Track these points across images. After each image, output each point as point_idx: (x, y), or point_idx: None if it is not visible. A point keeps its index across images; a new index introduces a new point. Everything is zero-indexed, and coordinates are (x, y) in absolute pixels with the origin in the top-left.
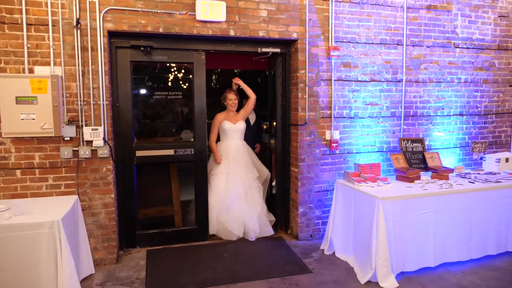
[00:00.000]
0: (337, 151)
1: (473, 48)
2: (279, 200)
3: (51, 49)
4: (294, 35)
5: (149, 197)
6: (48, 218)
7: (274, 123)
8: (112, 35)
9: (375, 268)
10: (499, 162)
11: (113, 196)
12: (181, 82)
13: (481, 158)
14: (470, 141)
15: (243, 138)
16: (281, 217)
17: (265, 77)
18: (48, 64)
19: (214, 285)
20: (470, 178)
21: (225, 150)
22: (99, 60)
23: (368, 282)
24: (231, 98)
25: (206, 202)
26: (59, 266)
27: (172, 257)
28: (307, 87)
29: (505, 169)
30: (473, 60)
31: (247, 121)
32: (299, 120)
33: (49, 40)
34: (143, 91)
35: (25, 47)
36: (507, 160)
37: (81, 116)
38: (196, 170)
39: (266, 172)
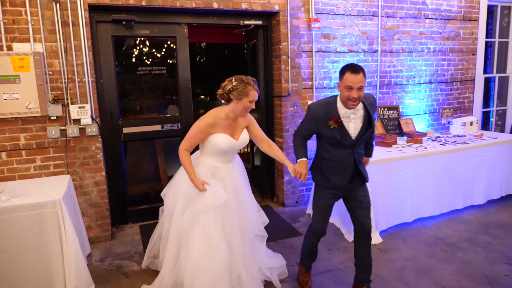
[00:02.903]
0: None
1: (441, 19)
2: (264, 170)
3: (30, 24)
4: (276, 7)
5: (137, 173)
6: (49, 197)
7: None
8: (92, 9)
9: None
10: (464, 125)
11: (103, 174)
12: (165, 57)
13: (449, 123)
14: (438, 107)
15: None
16: (267, 186)
17: (232, 49)
18: (27, 40)
19: None
20: (440, 141)
21: (211, 175)
22: (81, 35)
23: None
24: (253, 99)
25: None
26: (64, 245)
27: None
28: (289, 59)
29: (470, 132)
30: (441, 31)
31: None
32: (282, 92)
33: (26, 15)
34: (126, 67)
35: (1, 23)
36: (471, 123)
37: (66, 94)
38: None
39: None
